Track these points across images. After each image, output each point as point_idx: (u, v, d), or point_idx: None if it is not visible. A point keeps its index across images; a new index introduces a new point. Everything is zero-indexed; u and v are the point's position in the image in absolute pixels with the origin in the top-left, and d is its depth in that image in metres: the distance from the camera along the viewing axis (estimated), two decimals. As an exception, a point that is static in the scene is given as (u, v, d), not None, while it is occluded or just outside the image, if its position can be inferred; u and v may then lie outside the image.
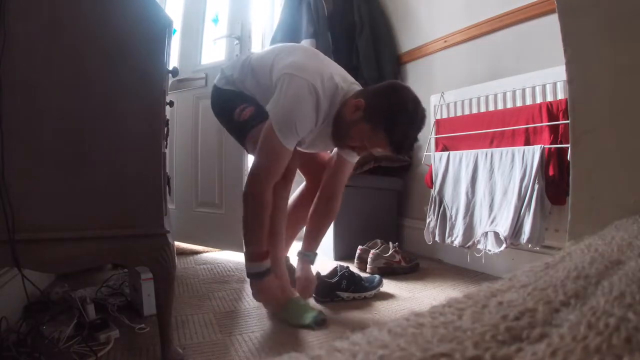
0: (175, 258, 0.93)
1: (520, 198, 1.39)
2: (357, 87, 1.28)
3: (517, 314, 0.25)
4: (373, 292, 1.42)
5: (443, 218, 1.73)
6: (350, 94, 1.22)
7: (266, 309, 1.26)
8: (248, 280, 1.27)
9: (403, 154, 1.26)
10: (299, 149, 1.30)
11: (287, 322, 1.18)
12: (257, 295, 1.24)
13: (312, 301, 1.36)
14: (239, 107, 1.30)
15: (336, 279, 1.38)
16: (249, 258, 1.21)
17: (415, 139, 1.18)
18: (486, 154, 1.56)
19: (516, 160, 1.44)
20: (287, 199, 1.33)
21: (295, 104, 1.14)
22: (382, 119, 1.13)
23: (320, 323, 1.16)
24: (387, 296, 1.44)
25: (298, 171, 1.45)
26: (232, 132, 1.40)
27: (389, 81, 1.29)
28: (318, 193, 1.43)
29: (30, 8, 0.80)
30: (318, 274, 1.41)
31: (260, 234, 1.20)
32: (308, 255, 1.42)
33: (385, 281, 1.63)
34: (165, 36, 0.91)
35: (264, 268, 1.20)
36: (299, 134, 1.17)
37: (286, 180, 1.27)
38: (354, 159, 1.41)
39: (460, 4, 1.92)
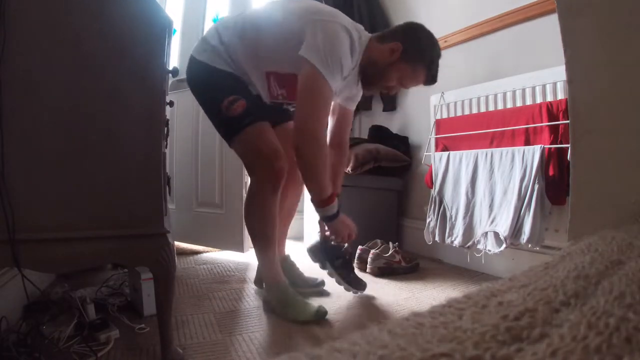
0: (175, 258, 0.93)
1: (520, 198, 1.39)
2: (367, 33, 1.30)
3: (517, 314, 0.25)
4: (352, 290, 1.43)
5: (443, 218, 1.73)
6: (367, 41, 1.26)
7: (337, 241, 1.33)
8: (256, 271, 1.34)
9: (432, 83, 1.32)
10: None
11: (286, 318, 1.18)
12: (337, 231, 1.29)
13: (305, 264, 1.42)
14: (227, 99, 1.20)
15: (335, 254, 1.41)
16: (321, 204, 1.23)
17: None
18: (486, 154, 1.56)
19: (516, 160, 1.44)
20: (277, 203, 1.28)
21: (335, 41, 1.13)
22: (422, 58, 1.26)
23: (322, 316, 1.17)
24: (387, 296, 1.44)
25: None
26: (215, 122, 1.30)
27: (408, 23, 1.33)
28: (328, 143, 1.42)
29: (30, 8, 0.80)
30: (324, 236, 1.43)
31: (326, 177, 1.21)
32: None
33: (385, 281, 1.64)
34: (165, 36, 0.91)
35: (336, 209, 1.25)
36: (344, 71, 1.16)
37: (276, 184, 1.23)
38: (353, 107, 1.46)
39: (460, 4, 1.92)
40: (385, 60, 1.23)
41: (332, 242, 1.40)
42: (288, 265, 1.49)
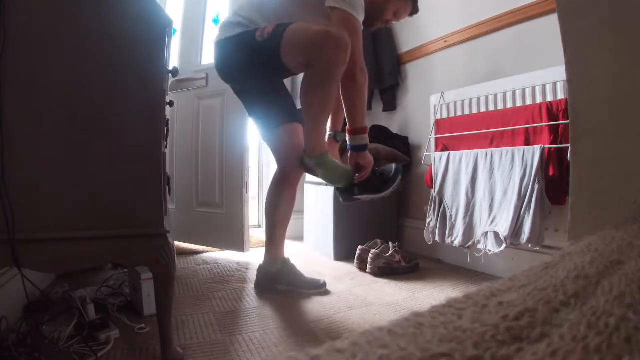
0: (175, 258, 0.93)
1: (520, 198, 1.39)
2: None
3: (517, 314, 0.25)
4: (387, 190, 1.40)
5: (443, 218, 1.73)
6: None
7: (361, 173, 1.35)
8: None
9: (416, 12, 1.52)
10: None
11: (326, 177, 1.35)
12: (366, 160, 1.34)
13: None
14: (257, 32, 1.28)
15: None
16: (360, 131, 1.33)
17: None
18: (486, 154, 1.56)
19: (516, 160, 1.44)
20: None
21: None
22: None
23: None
24: (387, 296, 1.44)
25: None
26: (261, 59, 1.31)
27: None
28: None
29: (30, 8, 0.80)
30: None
31: (365, 105, 1.34)
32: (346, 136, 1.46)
33: (385, 281, 1.64)
34: (165, 36, 0.91)
35: (367, 141, 1.34)
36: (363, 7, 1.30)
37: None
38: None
39: (460, 4, 1.92)
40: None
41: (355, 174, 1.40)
42: (288, 268, 1.50)
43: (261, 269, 1.51)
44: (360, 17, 1.28)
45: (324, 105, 1.28)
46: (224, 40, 1.35)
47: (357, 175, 1.35)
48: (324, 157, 1.33)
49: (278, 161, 1.49)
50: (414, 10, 1.50)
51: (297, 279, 1.49)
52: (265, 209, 1.52)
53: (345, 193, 1.41)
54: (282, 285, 1.47)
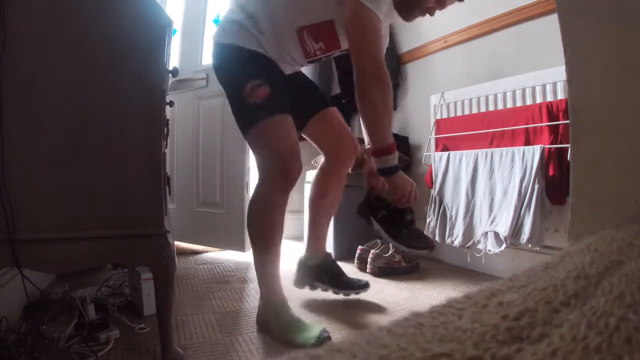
0: (175, 258, 0.93)
1: (520, 198, 1.39)
2: None
3: (517, 314, 0.25)
4: (402, 248, 1.22)
5: (443, 218, 1.73)
6: None
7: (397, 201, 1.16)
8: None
9: None
10: None
11: (283, 340, 1.05)
12: (397, 187, 1.14)
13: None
14: (250, 83, 1.11)
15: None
16: (382, 153, 1.11)
17: None
18: (486, 154, 1.56)
19: (516, 160, 1.44)
20: (284, 207, 1.16)
21: None
22: None
23: (323, 341, 1.02)
24: (387, 296, 1.44)
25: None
26: (236, 110, 1.21)
27: None
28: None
29: (30, 8, 0.80)
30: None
31: (390, 122, 1.12)
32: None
33: (385, 281, 1.64)
34: (165, 36, 0.91)
35: (397, 160, 1.13)
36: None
37: (287, 185, 1.12)
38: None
39: (460, 4, 1.92)
40: None
41: (383, 198, 1.22)
42: (329, 264, 1.38)
43: (300, 263, 1.40)
44: (379, 10, 1.06)
45: (257, 238, 1.14)
46: (223, 46, 1.17)
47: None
48: (275, 304, 1.11)
49: (327, 152, 1.33)
50: None
51: (338, 277, 1.37)
52: (310, 199, 1.38)
53: (369, 207, 1.22)
54: (322, 283, 1.36)
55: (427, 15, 1.21)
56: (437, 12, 1.30)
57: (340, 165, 1.33)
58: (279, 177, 1.11)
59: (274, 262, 1.14)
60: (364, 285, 1.38)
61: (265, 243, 1.13)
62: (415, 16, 1.21)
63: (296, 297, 1.41)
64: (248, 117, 1.14)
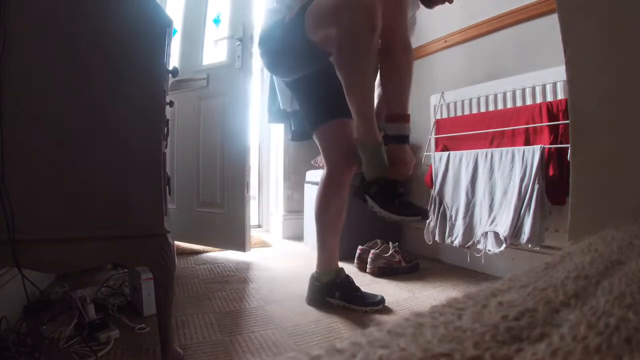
0: (175, 258, 0.93)
1: (520, 198, 1.39)
2: None
3: (517, 314, 0.25)
4: (395, 217, 1.19)
5: (443, 218, 1.73)
6: None
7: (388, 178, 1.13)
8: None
9: None
10: None
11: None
12: (406, 156, 1.13)
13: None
14: (287, 16, 1.14)
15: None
16: (403, 118, 1.13)
17: None
18: (486, 154, 1.56)
19: (516, 160, 1.44)
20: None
21: None
22: None
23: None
24: (387, 296, 1.44)
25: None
26: (292, 42, 1.17)
27: None
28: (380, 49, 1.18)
29: (30, 8, 0.80)
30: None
31: (410, 87, 1.14)
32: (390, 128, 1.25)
33: (385, 281, 1.64)
34: (165, 36, 0.91)
35: (409, 132, 1.14)
36: None
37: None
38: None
39: (460, 4, 1.91)
40: None
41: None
42: (341, 280, 1.35)
43: (312, 280, 1.37)
44: None
45: (357, 84, 1.05)
46: (262, 34, 1.24)
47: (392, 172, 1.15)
48: (369, 146, 1.10)
49: (325, 161, 1.34)
50: None
51: (352, 293, 1.33)
52: (315, 214, 1.37)
53: (362, 186, 1.19)
54: (334, 298, 1.33)
55: (447, 3, 1.22)
56: (437, 12, 1.29)
57: (342, 176, 1.32)
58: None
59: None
60: (379, 302, 1.33)
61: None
62: (436, 3, 1.23)
63: (296, 295, 1.41)
64: (299, 19, 1.13)
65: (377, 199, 1.13)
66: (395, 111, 1.12)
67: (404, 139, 1.13)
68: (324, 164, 1.35)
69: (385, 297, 1.36)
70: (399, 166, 1.13)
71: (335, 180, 1.32)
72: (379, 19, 0.99)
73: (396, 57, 1.08)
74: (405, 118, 1.13)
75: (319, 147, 1.35)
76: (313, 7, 1.09)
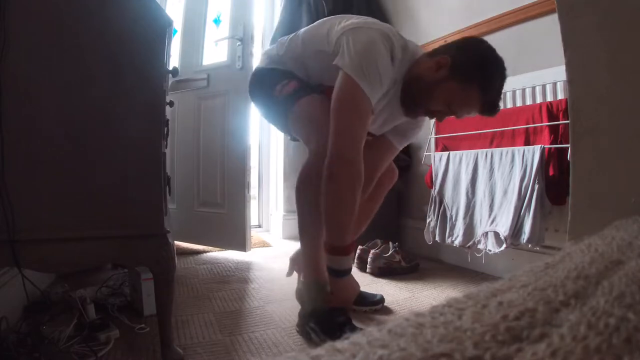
0: (175, 258, 0.93)
1: (520, 198, 1.39)
2: (421, 50, 1.15)
3: (517, 314, 0.25)
4: (365, 309, 1.29)
5: (443, 218, 1.73)
6: (418, 54, 1.10)
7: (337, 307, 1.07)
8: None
9: (491, 113, 1.05)
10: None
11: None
12: (340, 291, 1.05)
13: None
14: (280, 83, 1.14)
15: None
16: (338, 252, 1.00)
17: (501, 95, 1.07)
18: (486, 154, 1.56)
19: (516, 160, 1.44)
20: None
21: (370, 46, 0.98)
22: (474, 73, 1.00)
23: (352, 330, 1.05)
24: (387, 296, 1.44)
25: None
26: (272, 112, 1.21)
27: (465, 37, 1.17)
28: None
29: (30, 8, 0.80)
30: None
31: (353, 218, 0.99)
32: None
33: (385, 281, 1.64)
34: (165, 36, 0.91)
35: (350, 264, 1.04)
36: (383, 80, 1.00)
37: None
38: (400, 145, 1.28)
39: (460, 4, 1.92)
40: (431, 77, 1.03)
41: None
42: None
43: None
44: (370, 90, 0.97)
45: (314, 229, 1.05)
46: (258, 69, 1.26)
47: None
48: (310, 283, 1.09)
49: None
50: (486, 106, 1.04)
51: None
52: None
53: (302, 320, 1.11)
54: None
55: (435, 118, 1.14)
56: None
57: (376, 187, 1.29)
58: (324, 149, 1.02)
59: (317, 240, 1.08)
60: (379, 301, 1.32)
61: (315, 216, 1.06)
62: (416, 115, 1.14)
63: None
64: (286, 102, 1.11)
65: (319, 327, 1.05)
66: (332, 242, 1.00)
67: (344, 273, 1.03)
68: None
69: (385, 297, 1.36)
70: (337, 300, 1.06)
71: (371, 196, 1.31)
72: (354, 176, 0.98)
73: (341, 183, 0.97)
74: (344, 250, 1.01)
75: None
76: (299, 111, 1.08)
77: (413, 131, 1.29)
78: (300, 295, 1.15)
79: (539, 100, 1.48)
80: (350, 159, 0.97)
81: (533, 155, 1.37)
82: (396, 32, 1.10)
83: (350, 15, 1.17)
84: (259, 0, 2.42)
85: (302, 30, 1.23)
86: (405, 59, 1.08)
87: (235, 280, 1.61)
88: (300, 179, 1.08)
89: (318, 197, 1.02)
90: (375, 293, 1.37)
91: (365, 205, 1.26)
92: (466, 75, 1.01)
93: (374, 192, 1.31)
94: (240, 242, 1.97)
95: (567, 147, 1.15)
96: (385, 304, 1.35)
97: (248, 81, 1.29)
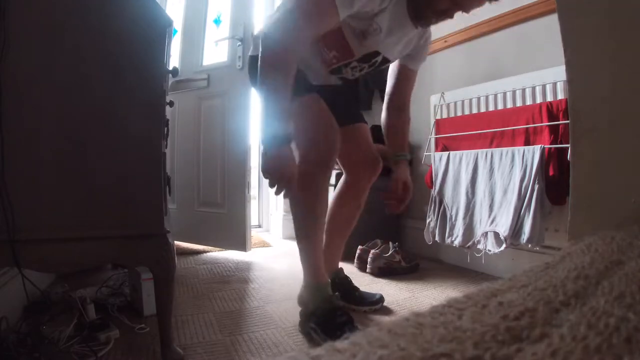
0: (175, 258, 0.93)
1: (520, 198, 1.39)
2: None
3: (517, 314, 0.25)
4: (365, 308, 1.29)
5: (443, 218, 1.73)
6: None
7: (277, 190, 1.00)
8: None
9: None
10: (375, 48, 1.09)
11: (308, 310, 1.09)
12: (268, 165, 0.96)
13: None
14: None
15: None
16: (271, 121, 0.96)
17: None
18: (486, 154, 1.56)
19: (516, 160, 1.44)
20: (328, 189, 1.11)
21: None
22: None
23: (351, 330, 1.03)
24: (387, 296, 1.44)
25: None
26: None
27: None
28: (386, 105, 1.43)
29: (30, 8, 0.80)
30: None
31: (285, 93, 0.94)
32: (403, 155, 1.36)
33: (385, 281, 1.64)
34: (165, 36, 0.91)
35: (287, 131, 0.95)
36: None
37: (327, 167, 1.07)
38: (417, 67, 1.32)
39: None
40: None
41: None
42: (340, 280, 1.36)
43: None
44: (342, 3, 0.91)
45: (312, 233, 1.11)
46: (252, 58, 1.21)
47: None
48: (313, 286, 1.12)
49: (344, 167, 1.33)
50: None
51: (351, 292, 1.33)
52: (328, 210, 1.27)
53: (303, 320, 1.13)
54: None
55: (447, 19, 1.12)
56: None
57: (356, 184, 1.33)
58: (317, 153, 1.05)
59: (317, 243, 1.12)
60: (378, 301, 1.32)
61: (312, 217, 1.11)
62: (430, 23, 1.12)
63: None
64: None
65: (320, 327, 1.06)
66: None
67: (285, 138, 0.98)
68: (344, 169, 1.37)
69: (385, 297, 1.36)
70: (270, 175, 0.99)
71: (352, 191, 1.35)
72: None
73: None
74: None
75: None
76: (295, 120, 1.04)
77: (423, 49, 1.29)
78: (302, 298, 1.17)
79: (539, 100, 1.48)
80: (281, 47, 0.92)
81: (533, 155, 1.37)
82: None
83: None
84: (259, 0, 2.41)
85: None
86: None
87: (235, 280, 1.61)
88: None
89: (313, 201, 1.07)
90: (374, 293, 1.37)
91: (347, 202, 1.34)
92: None
93: (352, 189, 1.34)
94: (240, 242, 1.97)
95: (567, 147, 1.15)
96: (385, 304, 1.35)
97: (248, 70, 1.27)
